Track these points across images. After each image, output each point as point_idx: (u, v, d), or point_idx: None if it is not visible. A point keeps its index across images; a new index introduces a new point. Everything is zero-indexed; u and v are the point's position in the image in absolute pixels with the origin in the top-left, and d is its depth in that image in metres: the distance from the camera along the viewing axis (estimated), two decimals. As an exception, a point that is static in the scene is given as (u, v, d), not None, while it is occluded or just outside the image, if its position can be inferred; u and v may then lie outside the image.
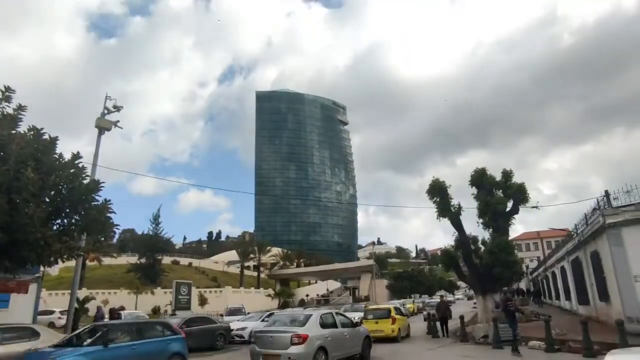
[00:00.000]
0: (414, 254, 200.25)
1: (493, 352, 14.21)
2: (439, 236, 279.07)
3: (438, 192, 19.34)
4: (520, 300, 43.68)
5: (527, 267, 57.90)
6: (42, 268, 15.25)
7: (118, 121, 20.30)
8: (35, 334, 11.56)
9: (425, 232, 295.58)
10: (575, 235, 21.83)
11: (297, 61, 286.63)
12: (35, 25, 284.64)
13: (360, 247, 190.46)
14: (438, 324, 19.85)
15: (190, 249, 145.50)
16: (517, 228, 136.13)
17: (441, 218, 19.47)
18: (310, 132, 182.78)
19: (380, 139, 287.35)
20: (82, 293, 46.15)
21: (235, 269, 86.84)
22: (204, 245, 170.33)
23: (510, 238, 19.78)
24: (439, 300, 24.05)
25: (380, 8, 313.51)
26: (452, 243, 20.20)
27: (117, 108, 20.26)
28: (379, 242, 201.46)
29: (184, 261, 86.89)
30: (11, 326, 11.85)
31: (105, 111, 20.06)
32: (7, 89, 11.58)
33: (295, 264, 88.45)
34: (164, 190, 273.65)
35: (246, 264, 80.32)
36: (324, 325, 11.78)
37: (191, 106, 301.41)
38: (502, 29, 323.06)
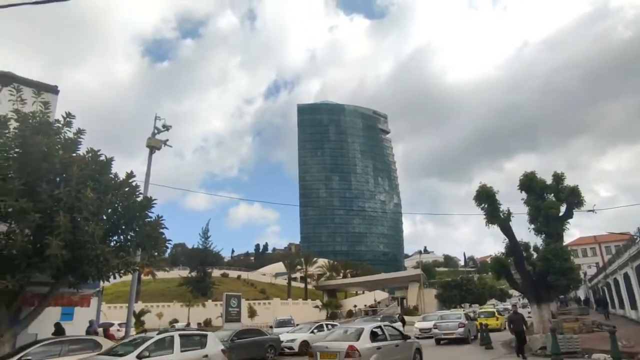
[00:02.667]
0: (462, 263, 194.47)
1: (552, 364, 13.53)
2: (488, 243, 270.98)
3: (485, 198, 18.89)
4: (578, 309, 41.42)
5: (585, 274, 54.93)
6: (101, 282, 16.03)
7: (167, 140, 21.12)
8: (97, 346, 12.13)
9: (473, 240, 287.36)
10: (639, 239, 20.57)
11: (340, 73, 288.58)
12: (98, 54, 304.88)
13: (407, 256, 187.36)
14: (514, 340, 16.01)
15: (238, 261, 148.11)
16: (572, 233, 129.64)
17: (490, 225, 18.99)
18: (352, 142, 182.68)
19: (425, 146, 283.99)
20: (138, 306, 48.34)
21: (282, 281, 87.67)
22: (252, 258, 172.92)
23: (564, 244, 18.97)
24: (511, 310, 17.94)
25: (422, 16, 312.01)
26: (503, 250, 19.65)
27: (166, 127, 21.07)
28: (426, 251, 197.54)
29: (233, 274, 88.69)
30: (76, 338, 12.54)
31: (155, 131, 20.94)
32: (68, 114, 12.42)
33: (341, 274, 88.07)
34: (214, 205, 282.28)
35: (293, 276, 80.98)
36: (467, 318, 22.52)
37: (239, 122, 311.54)
38: (548, 28, 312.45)
